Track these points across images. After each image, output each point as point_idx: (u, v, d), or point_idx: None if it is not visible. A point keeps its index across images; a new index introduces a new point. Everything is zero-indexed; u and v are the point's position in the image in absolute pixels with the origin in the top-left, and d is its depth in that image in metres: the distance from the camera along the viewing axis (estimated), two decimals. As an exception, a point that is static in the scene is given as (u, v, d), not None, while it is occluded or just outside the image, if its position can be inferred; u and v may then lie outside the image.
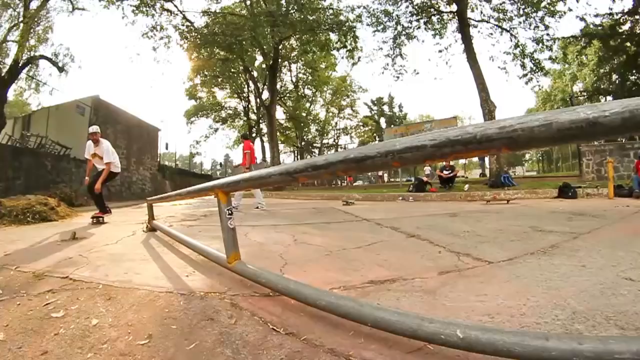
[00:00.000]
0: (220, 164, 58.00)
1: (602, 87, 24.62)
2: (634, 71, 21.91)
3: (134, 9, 20.93)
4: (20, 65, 18.74)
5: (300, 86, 40.06)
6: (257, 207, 9.89)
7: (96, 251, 4.00)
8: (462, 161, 45.38)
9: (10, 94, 20.97)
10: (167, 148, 37.95)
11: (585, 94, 28.36)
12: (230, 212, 2.50)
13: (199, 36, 21.81)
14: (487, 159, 16.98)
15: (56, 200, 8.81)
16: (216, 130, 40.39)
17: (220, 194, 2.52)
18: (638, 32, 20.79)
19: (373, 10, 20.39)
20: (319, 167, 1.54)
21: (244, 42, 21.07)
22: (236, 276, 2.57)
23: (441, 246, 3.69)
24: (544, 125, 0.92)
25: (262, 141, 39.23)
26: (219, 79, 35.91)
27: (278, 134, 32.55)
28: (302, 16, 20.99)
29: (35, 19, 19.19)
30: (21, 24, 18.24)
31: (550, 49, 18.67)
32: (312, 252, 3.67)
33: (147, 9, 21.10)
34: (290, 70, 37.20)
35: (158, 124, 26.93)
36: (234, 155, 68.85)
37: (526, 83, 18.95)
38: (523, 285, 2.34)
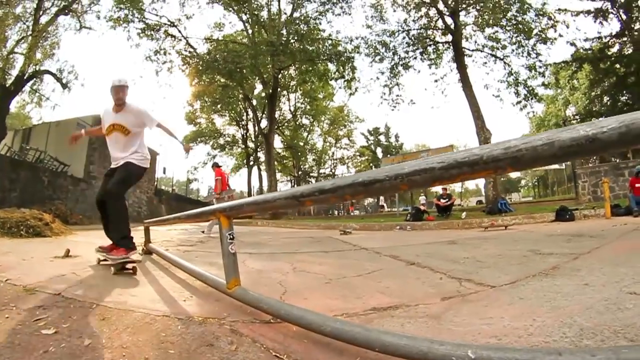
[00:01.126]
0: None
1: (594, 109, 25.07)
2: (624, 92, 22.40)
3: (140, 32, 21.30)
4: (25, 77, 19.05)
5: (299, 115, 40.47)
6: (203, 232, 9.84)
7: (90, 270, 3.93)
8: (458, 189, 45.61)
9: (13, 106, 21.27)
10: (164, 172, 37.87)
11: (578, 117, 28.97)
12: (231, 236, 2.47)
13: (200, 62, 22.11)
14: (483, 187, 17.04)
15: (51, 217, 8.63)
16: (214, 157, 40.52)
17: (222, 218, 2.49)
18: (626, 53, 21.37)
19: (371, 41, 20.87)
20: (326, 191, 1.52)
21: (244, 70, 21.38)
22: (235, 302, 2.51)
23: (442, 273, 3.65)
24: (546, 144, 0.96)
25: (259, 170, 39.34)
26: (219, 106, 36.30)
27: (275, 162, 32.68)
28: (302, 46, 21.41)
29: (44, 34, 19.50)
30: (30, 37, 18.54)
31: (543, 75, 19.11)
32: (312, 280, 3.63)
33: (152, 32, 21.51)
34: (288, 100, 37.66)
35: (157, 148, 26.91)
36: (232, 182, 69.09)
37: (520, 109, 19.27)
38: (527, 306, 2.31)
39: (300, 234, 11.34)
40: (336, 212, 41.17)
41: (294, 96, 37.58)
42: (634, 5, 20.04)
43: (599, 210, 10.48)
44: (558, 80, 25.03)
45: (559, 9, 19.36)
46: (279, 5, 23.06)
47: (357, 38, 21.72)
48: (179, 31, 22.09)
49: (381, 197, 42.65)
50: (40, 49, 19.74)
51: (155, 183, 28.81)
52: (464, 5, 18.68)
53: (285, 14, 22.77)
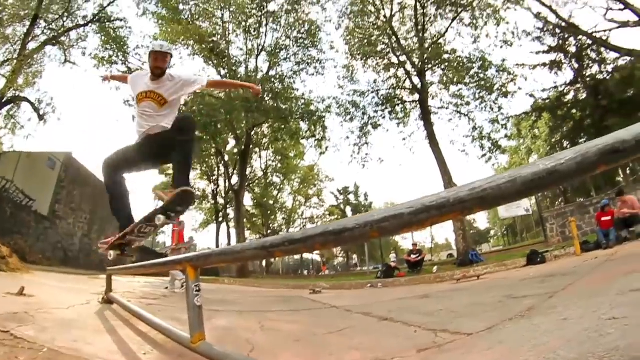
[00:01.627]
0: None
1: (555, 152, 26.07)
2: (582, 134, 23.46)
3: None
4: (3, 101, 18.34)
5: (269, 173, 40.61)
6: (167, 288, 9.43)
7: (45, 312, 3.60)
8: (428, 245, 45.78)
9: (-14, 126, 20.19)
10: None
11: None
12: (198, 288, 2.34)
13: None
14: (453, 240, 17.23)
15: (9, 251, 8.00)
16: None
17: (189, 268, 2.36)
18: (581, 98, 22.76)
19: (342, 101, 21.54)
20: (296, 241, 1.50)
21: (218, 124, 21.60)
22: (199, 358, 2.34)
23: (416, 326, 3.54)
24: (509, 181, 0.98)
25: (228, 227, 38.62)
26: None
27: (245, 220, 32.28)
28: (276, 104, 22.00)
29: (29, 60, 19.24)
30: (15, 61, 18.13)
31: (506, 127, 19.95)
32: (281, 338, 3.50)
33: None
34: (260, 157, 37.88)
35: None
36: (199, 238, 67.26)
37: (486, 162, 19.85)
38: (508, 349, 2.27)
39: (269, 293, 11.07)
40: (306, 272, 40.54)
41: (265, 154, 37.89)
42: (583, 54, 21.65)
43: (569, 249, 10.59)
44: (520, 131, 26.42)
45: (517, 64, 20.80)
46: (256, 62, 23.71)
47: (328, 98, 22.45)
48: None
49: (354, 256, 42.36)
50: (23, 74, 19.49)
51: (123, 232, 27.73)
52: (430, 66, 19.66)
53: (262, 71, 23.42)
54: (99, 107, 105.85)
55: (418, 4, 19.51)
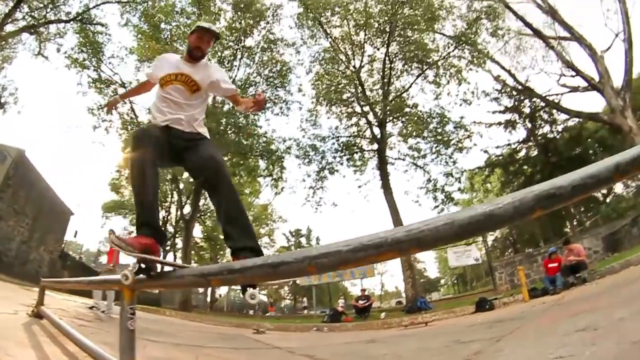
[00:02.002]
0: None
1: None
2: None
3: (91, 81, 20.78)
4: None
5: None
6: (104, 311, 8.83)
7: None
8: (378, 292, 45.78)
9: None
10: (75, 236, 34.39)
11: None
12: (133, 312, 2.17)
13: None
14: (403, 287, 17.36)
15: None
16: (130, 233, 37.75)
17: (125, 290, 2.19)
18: (532, 155, 24.19)
19: (302, 143, 21.68)
20: (235, 271, 1.50)
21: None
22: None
23: None
24: (447, 223, 1.02)
25: (175, 257, 37.13)
26: None
27: (193, 252, 31.21)
28: (238, 139, 21.75)
29: (3, 42, 18.40)
30: None
31: (459, 181, 20.52)
32: None
33: (102, 86, 21.03)
34: (215, 186, 37.14)
35: (73, 207, 24.56)
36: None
37: (438, 213, 20.21)
38: None
39: (210, 329, 10.63)
40: (252, 312, 39.28)
41: None
42: (536, 115, 23.26)
43: (517, 296, 10.82)
44: (473, 185, 27.32)
45: (475, 122, 21.73)
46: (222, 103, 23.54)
47: (290, 139, 22.50)
48: None
49: (304, 299, 41.54)
50: (-6, 57, 18.23)
51: (63, 245, 25.82)
52: (391, 118, 20.27)
53: (228, 104, 23.29)
54: (62, 110, 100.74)
55: (387, 58, 20.30)
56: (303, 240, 49.09)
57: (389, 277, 53.00)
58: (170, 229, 36.70)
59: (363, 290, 16.19)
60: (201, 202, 31.35)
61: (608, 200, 28.29)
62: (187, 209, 29.37)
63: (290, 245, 47.83)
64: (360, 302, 14.77)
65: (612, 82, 18.09)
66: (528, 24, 20.23)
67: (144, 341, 4.94)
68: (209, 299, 34.70)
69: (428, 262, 62.36)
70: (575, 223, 21.69)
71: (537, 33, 20.11)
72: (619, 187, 29.35)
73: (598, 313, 3.75)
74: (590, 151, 23.86)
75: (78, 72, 20.54)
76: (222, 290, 38.84)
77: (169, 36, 22.01)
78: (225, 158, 24.76)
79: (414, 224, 1.07)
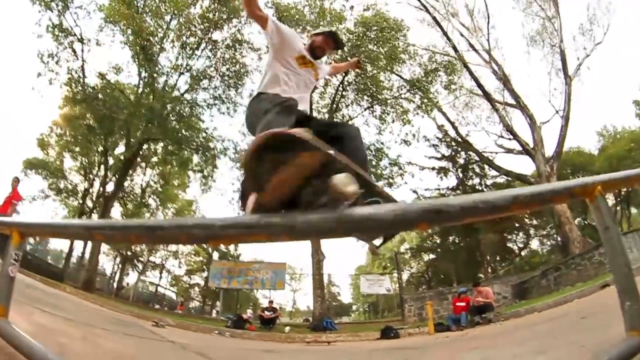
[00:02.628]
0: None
1: (425, 245, 28.72)
2: (452, 233, 25.71)
3: (51, 26, 19.31)
4: None
5: (147, 194, 37.92)
6: None
7: None
8: (289, 308, 45.32)
9: None
10: None
11: (410, 251, 32.81)
12: (17, 258, 1.99)
13: (82, 91, 20.40)
14: (312, 304, 17.46)
15: None
16: (46, 197, 34.93)
17: (15, 233, 2.02)
18: None
19: (240, 148, 21.41)
20: (115, 228, 1.54)
21: (116, 123, 20.26)
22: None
23: None
24: (324, 218, 1.08)
25: None
26: (76, 148, 32.56)
27: (107, 232, 29.40)
28: (178, 127, 21.11)
29: None
30: None
31: None
32: (99, 352, 3.08)
33: (60, 34, 19.63)
34: (144, 174, 35.41)
35: None
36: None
37: (357, 241, 20.53)
38: None
39: (107, 313, 9.95)
40: (158, 306, 37.45)
41: (150, 172, 35.62)
42: (469, 167, 24.90)
43: (423, 328, 11.19)
44: None
45: (409, 162, 22.57)
46: (177, 81, 22.88)
47: (229, 140, 22.16)
48: (82, 50, 20.42)
49: (218, 303, 40.14)
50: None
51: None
52: None
53: (179, 90, 22.66)
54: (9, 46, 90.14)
55: (342, 85, 20.79)
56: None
57: (302, 295, 52.69)
58: (89, 203, 34.47)
59: (270, 301, 15.98)
60: (127, 182, 29.99)
61: (523, 253, 30.44)
62: (110, 187, 27.75)
63: (208, 246, 46.17)
64: (267, 312, 14.59)
65: (543, 151, 19.86)
66: (480, 86, 21.75)
67: (34, 308, 4.54)
68: (115, 285, 32.75)
69: (343, 287, 63.13)
70: (489, 270, 22.98)
71: (487, 95, 21.65)
72: (534, 244, 31.90)
73: (495, 349, 3.89)
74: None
75: (40, 11, 19.17)
76: (131, 279, 36.95)
77: (142, 6, 21.30)
78: (160, 144, 23.96)
79: (296, 214, 1.11)
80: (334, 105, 20.82)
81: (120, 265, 38.26)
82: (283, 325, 15.52)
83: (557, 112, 20.55)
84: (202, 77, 22.41)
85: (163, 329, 8.69)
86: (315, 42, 3.17)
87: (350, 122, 20.31)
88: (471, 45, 22.19)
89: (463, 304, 11.16)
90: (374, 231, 1.10)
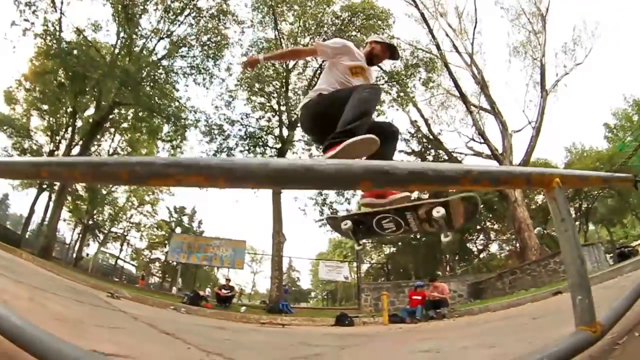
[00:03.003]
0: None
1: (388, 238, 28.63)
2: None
3: None
4: None
5: None
6: None
7: None
8: (249, 290, 45.23)
9: None
10: None
11: (373, 243, 32.79)
12: None
13: (57, 45, 19.47)
14: (265, 282, 17.54)
15: None
16: (9, 157, 33.24)
17: None
18: (421, 198, 25.47)
19: (212, 121, 20.99)
20: (62, 165, 1.45)
21: (88, 82, 19.49)
22: None
23: (194, 345, 3.25)
24: (262, 164, 1.07)
25: (50, 198, 33.36)
26: (44, 106, 31.13)
27: (69, 199, 28.57)
28: (152, 93, 20.52)
29: None
30: None
31: (349, 203, 21.08)
32: (45, 313, 2.99)
33: None
34: (112, 139, 34.27)
35: None
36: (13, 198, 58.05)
37: (320, 227, 20.63)
38: None
39: (61, 280, 9.69)
40: (117, 280, 36.53)
41: (118, 138, 34.49)
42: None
43: (378, 318, 11.38)
44: (360, 208, 28.13)
45: None
46: (155, 46, 22.17)
47: (202, 112, 21.68)
48: (62, 2, 19.46)
49: (179, 280, 39.56)
50: None
51: None
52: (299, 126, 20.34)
53: (156, 55, 21.95)
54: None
55: (320, 69, 20.39)
56: (185, 219, 46.80)
57: (262, 278, 52.72)
58: None
59: (228, 280, 15.93)
60: (94, 147, 29.01)
61: (482, 255, 31.32)
62: (76, 150, 26.78)
63: (172, 221, 45.31)
64: (224, 290, 14.51)
65: (512, 158, 20.43)
66: (458, 87, 21.93)
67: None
68: (74, 256, 31.78)
69: (303, 272, 63.60)
70: (448, 268, 23.55)
71: (463, 97, 21.87)
72: (493, 248, 32.88)
73: (445, 340, 3.96)
74: (477, 209, 26.14)
75: None
76: (91, 250, 35.94)
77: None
78: (132, 110, 23.25)
79: (235, 159, 1.15)
80: (310, 89, 20.60)
81: (80, 235, 37.16)
82: (239, 305, 15.46)
83: (529, 122, 21.14)
84: (182, 44, 21.79)
85: (118, 301, 8.54)
86: (374, 49, 3.45)
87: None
88: (455, 47, 22.44)
89: (419, 297, 11.37)
90: (312, 185, 1.05)
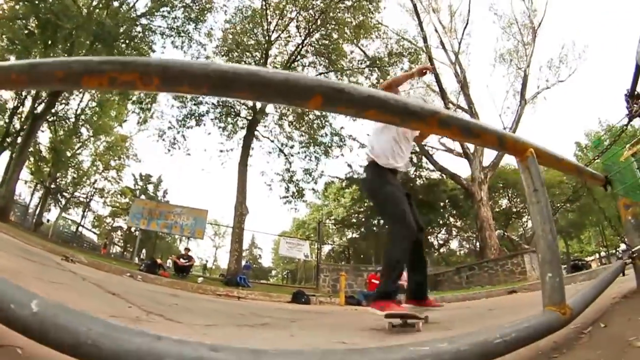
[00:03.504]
0: None
1: (351, 220, 28.90)
2: (376, 216, 25.92)
3: None
4: None
5: (81, 121, 35.01)
6: None
7: None
8: (210, 264, 44.75)
9: None
10: None
11: (335, 225, 33.59)
12: None
13: None
14: (227, 259, 17.17)
15: None
16: None
17: None
18: None
19: None
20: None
21: (60, 33, 18.33)
22: None
23: (137, 305, 3.15)
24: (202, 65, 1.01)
25: (11, 157, 31.50)
26: (11, 57, 29.26)
27: (31, 159, 27.32)
28: (127, 52, 19.52)
29: None
30: None
31: (315, 182, 20.96)
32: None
33: None
34: (81, 99, 32.77)
35: None
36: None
37: (284, 204, 20.49)
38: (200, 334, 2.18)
39: (15, 242, 9.29)
40: (78, 247, 35.20)
41: (87, 96, 32.92)
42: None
43: (335, 298, 11.38)
44: (326, 190, 28.57)
45: (351, 136, 22.10)
46: (135, 3, 21.03)
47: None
48: None
49: (143, 251, 38.62)
50: None
51: None
52: None
53: (136, 12, 20.78)
54: None
55: (302, 46, 20.09)
56: (151, 187, 45.82)
57: (224, 252, 52.36)
58: (17, 124, 31.31)
59: (187, 249, 15.56)
60: (61, 105, 27.73)
61: (442, 250, 32.03)
62: (41, 107, 25.47)
63: (137, 188, 44.18)
64: (182, 260, 14.14)
65: (482, 159, 20.76)
66: (439, 83, 22.13)
67: None
68: (34, 220, 30.42)
69: (265, 250, 63.56)
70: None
71: (443, 93, 22.09)
72: (454, 244, 33.75)
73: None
74: (441, 203, 26.60)
75: None
76: (52, 216, 34.45)
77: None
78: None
79: (174, 58, 1.10)
80: (288, 64, 20.13)
81: (41, 199, 35.58)
82: (197, 276, 15.23)
83: (504, 128, 21.18)
84: (164, 3, 20.86)
85: (72, 264, 8.26)
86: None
87: None
88: (442, 43, 22.56)
89: (378, 282, 11.40)
90: (256, 94, 0.92)
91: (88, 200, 39.07)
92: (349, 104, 1.05)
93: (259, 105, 19.01)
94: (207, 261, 43.54)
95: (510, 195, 32.69)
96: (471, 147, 21.01)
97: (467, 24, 22.76)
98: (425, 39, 21.77)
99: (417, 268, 3.58)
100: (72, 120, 32.97)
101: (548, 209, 1.57)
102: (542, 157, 1.75)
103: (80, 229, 32.44)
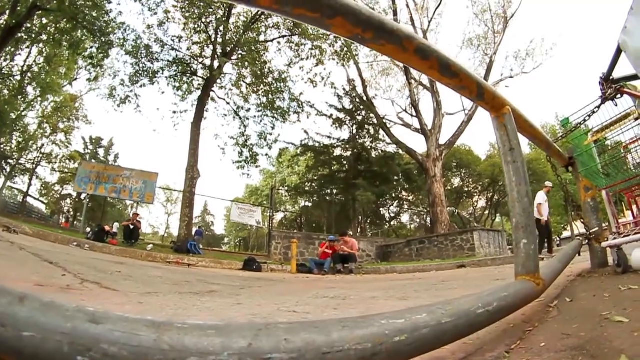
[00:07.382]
0: None
1: (304, 188, 28.86)
2: (330, 185, 26.71)
3: None
4: None
5: (27, 79, 32.37)
6: None
7: None
8: (162, 232, 43.78)
9: None
10: None
11: (287, 192, 33.46)
12: None
13: None
14: (178, 225, 16.55)
15: None
16: None
17: None
18: (345, 156, 26.30)
19: (141, 41, 19.04)
20: None
21: None
22: None
23: (73, 273, 3.00)
24: None
25: None
26: None
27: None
28: (81, 3, 18.06)
29: None
30: None
31: (270, 148, 20.58)
32: None
33: None
34: (29, 53, 30.17)
35: None
36: None
37: (237, 168, 20.09)
38: (149, 309, 2.03)
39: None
40: (23, 216, 32.92)
41: (36, 51, 30.28)
42: (365, 126, 25.52)
43: (287, 266, 11.41)
44: (281, 156, 28.80)
45: (310, 103, 22.24)
46: None
47: (133, 31, 19.53)
48: None
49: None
50: None
51: None
52: (235, 59, 19.06)
53: None
54: None
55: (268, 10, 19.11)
56: (102, 152, 43.43)
57: (176, 220, 51.42)
58: None
59: (136, 214, 14.97)
60: (5, 61, 25.53)
61: (393, 223, 32.67)
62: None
63: (86, 153, 41.55)
64: (130, 225, 13.61)
65: (439, 136, 21.32)
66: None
67: None
68: None
69: (218, 217, 62.72)
70: (359, 230, 24.29)
71: (406, 69, 22.02)
72: (405, 218, 34.52)
73: (353, 291, 3.97)
74: (395, 177, 27.04)
75: None
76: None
77: None
78: (52, 17, 20.38)
79: None
80: (252, 24, 19.30)
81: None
82: (146, 244, 14.73)
83: (464, 109, 22.00)
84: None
85: (13, 235, 7.87)
86: None
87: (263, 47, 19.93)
88: (412, 19, 22.53)
89: (330, 251, 11.50)
90: None
91: (35, 166, 36.50)
92: (310, 5, 0.85)
93: (216, 63, 18.16)
94: (158, 229, 42.50)
95: (463, 174, 33.74)
96: (429, 123, 21.40)
97: (439, 3, 22.92)
98: (395, 12, 21.79)
99: None
100: (18, 78, 30.44)
101: (524, 170, 1.47)
102: (518, 120, 1.64)
103: (27, 198, 30.65)
